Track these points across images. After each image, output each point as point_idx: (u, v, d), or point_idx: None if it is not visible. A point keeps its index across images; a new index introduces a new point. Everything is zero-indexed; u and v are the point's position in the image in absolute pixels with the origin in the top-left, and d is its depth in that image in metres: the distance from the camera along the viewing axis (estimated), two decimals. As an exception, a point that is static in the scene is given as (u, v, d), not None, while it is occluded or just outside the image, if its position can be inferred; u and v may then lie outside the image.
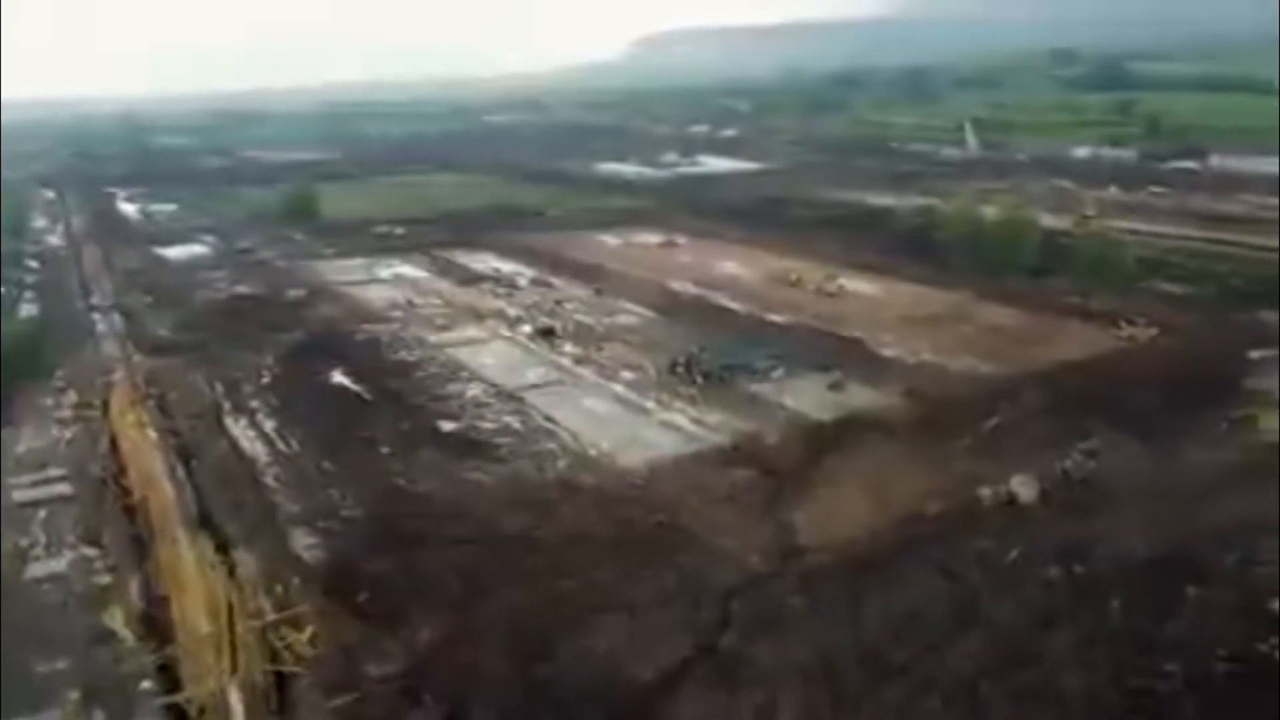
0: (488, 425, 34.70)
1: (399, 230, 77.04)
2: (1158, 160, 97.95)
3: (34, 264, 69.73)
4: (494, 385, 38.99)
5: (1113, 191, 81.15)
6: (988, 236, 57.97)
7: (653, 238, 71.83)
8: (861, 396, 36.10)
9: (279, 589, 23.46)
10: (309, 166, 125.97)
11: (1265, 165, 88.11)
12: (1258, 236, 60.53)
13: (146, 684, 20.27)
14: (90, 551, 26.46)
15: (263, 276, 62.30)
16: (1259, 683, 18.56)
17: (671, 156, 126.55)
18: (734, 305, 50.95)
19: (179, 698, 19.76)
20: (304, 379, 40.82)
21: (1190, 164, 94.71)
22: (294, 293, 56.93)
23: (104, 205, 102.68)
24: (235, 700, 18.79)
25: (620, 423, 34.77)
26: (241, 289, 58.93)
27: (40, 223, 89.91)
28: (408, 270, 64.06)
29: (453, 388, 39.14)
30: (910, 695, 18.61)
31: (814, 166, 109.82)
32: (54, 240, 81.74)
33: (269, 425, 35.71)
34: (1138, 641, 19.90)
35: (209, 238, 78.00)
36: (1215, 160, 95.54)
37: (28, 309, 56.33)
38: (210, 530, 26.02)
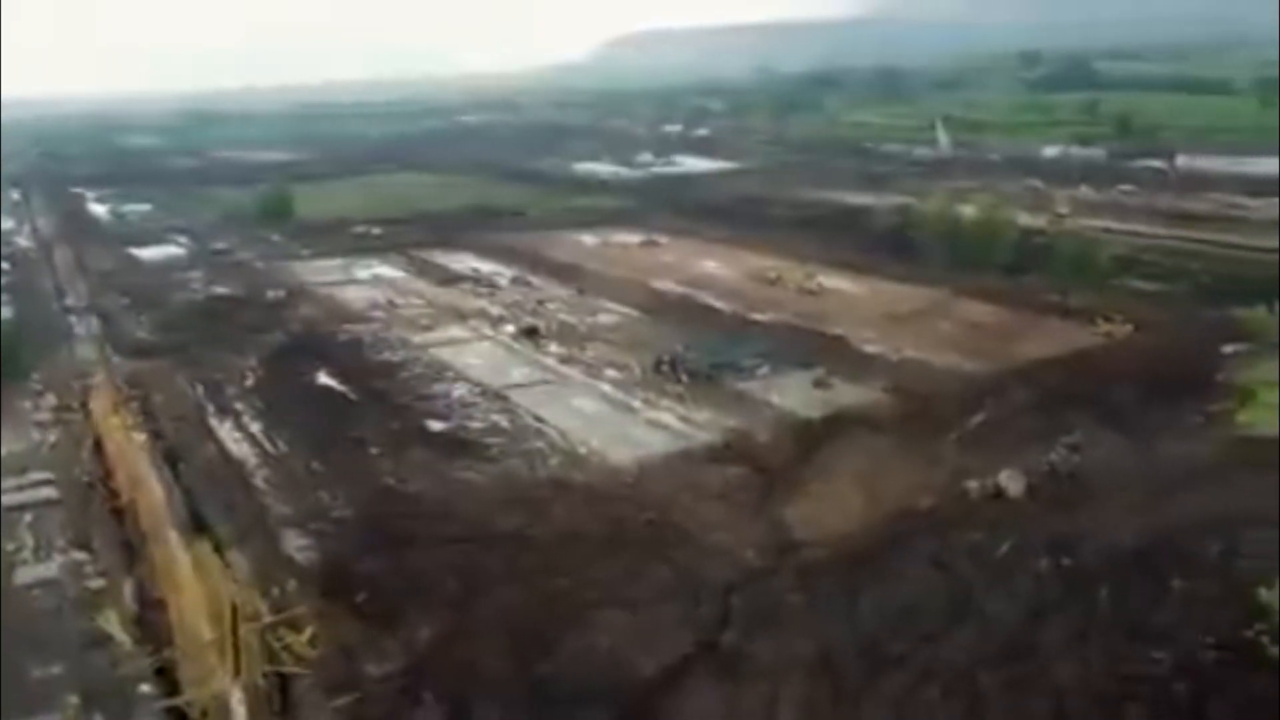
0: (476, 424, 34.74)
1: (376, 230, 76.71)
2: (1126, 159, 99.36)
3: (4, 265, 68.72)
4: (480, 385, 39.02)
5: (1083, 190, 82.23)
6: (965, 235, 58.73)
7: (631, 237, 72.00)
8: (847, 393, 36.48)
9: (275, 591, 23.42)
10: (282, 167, 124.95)
11: (1231, 165, 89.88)
12: (1227, 235, 61.74)
13: (146, 687, 20.13)
14: (80, 555, 26.24)
15: (240, 277, 61.85)
16: (1245, 669, 19.03)
17: (647, 156, 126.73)
18: (716, 304, 51.24)
19: (179, 700, 19.70)
20: (288, 380, 40.64)
21: (1158, 163, 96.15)
22: (273, 294, 56.57)
23: (74, 206, 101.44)
24: (238, 702, 18.74)
25: (608, 421, 34.93)
26: (219, 290, 58.49)
27: (8, 224, 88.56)
28: (386, 270, 63.87)
29: (439, 388, 39.12)
30: (910, 685, 18.89)
31: (789, 166, 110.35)
32: (23, 241, 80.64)
33: (255, 427, 35.54)
34: (1127, 630, 20.31)
35: (183, 238, 77.33)
36: (1182, 160, 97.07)
37: (1, 311, 55.55)
38: (203, 532, 25.86)
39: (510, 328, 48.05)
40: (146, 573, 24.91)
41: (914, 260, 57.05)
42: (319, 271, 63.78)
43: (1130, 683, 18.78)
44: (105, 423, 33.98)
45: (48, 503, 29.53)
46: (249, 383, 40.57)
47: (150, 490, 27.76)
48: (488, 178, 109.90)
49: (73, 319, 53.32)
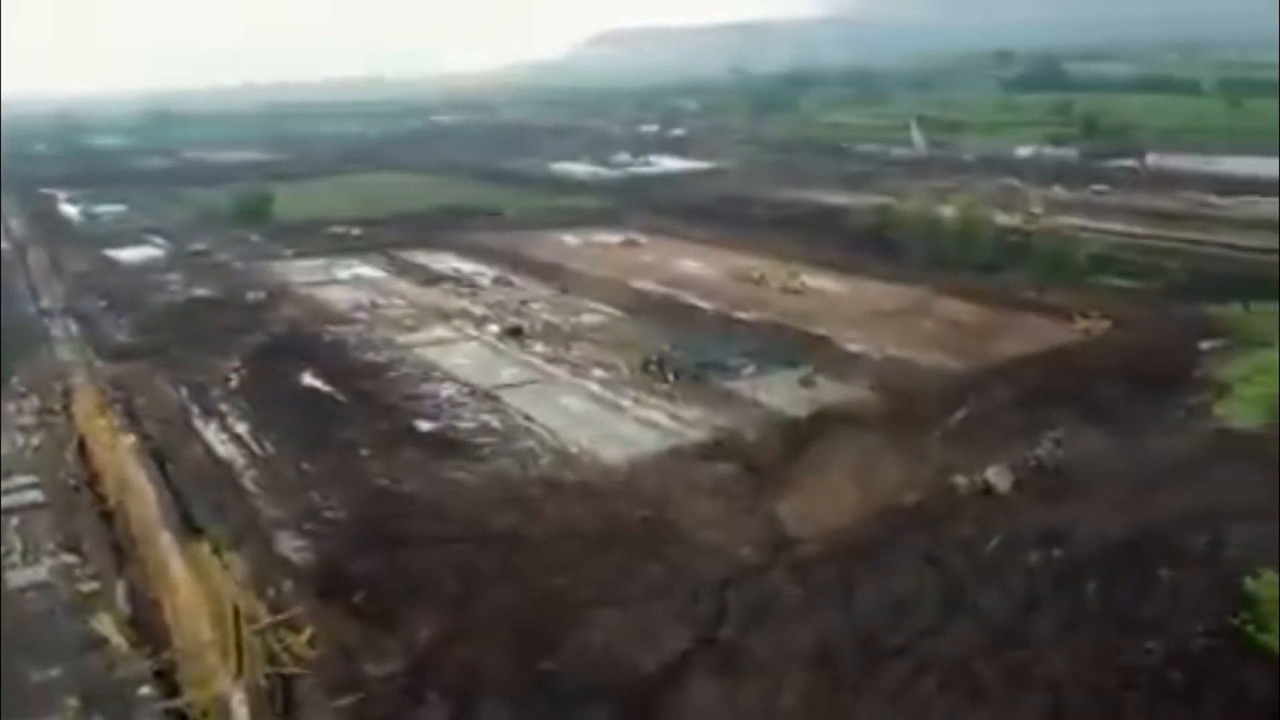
0: (466, 424, 34.76)
1: (355, 231, 76.36)
2: (1098, 159, 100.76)
3: (-24, 268, 67.81)
4: (468, 385, 39.01)
5: (1057, 190, 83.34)
6: (944, 234, 59.39)
7: (612, 237, 72.13)
8: (833, 392, 36.82)
9: (271, 592, 23.37)
10: (256, 167, 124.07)
11: (1201, 165, 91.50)
12: (1199, 233, 63.08)
13: (145, 690, 20.04)
14: (70, 559, 26.03)
15: (219, 278, 61.39)
16: (1234, 656, 19.50)
17: (624, 156, 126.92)
18: (700, 303, 51.48)
19: (179, 702, 19.64)
20: (273, 381, 40.42)
21: (1129, 163, 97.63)
22: (253, 295, 56.19)
23: (45, 207, 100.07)
24: (239, 703, 18.73)
25: (598, 420, 35.06)
26: (199, 291, 58.01)
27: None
28: (367, 271, 63.61)
29: (426, 388, 39.08)
30: (907, 678, 19.19)
31: (766, 166, 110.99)
32: (-5, 243, 79.52)
33: (242, 428, 35.34)
34: (1119, 621, 20.74)
35: (159, 239, 76.60)
36: (1152, 159, 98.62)
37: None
38: (198, 535, 25.74)
39: (494, 328, 48.05)
40: (138, 575, 24.81)
41: (894, 259, 57.60)
42: (299, 272, 63.41)
43: (1123, 672, 19.20)
44: (89, 425, 33.68)
45: (34, 506, 29.24)
46: (233, 384, 40.32)
47: (139, 493, 27.58)
48: (465, 178, 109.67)
49: (50, 321, 52.66)
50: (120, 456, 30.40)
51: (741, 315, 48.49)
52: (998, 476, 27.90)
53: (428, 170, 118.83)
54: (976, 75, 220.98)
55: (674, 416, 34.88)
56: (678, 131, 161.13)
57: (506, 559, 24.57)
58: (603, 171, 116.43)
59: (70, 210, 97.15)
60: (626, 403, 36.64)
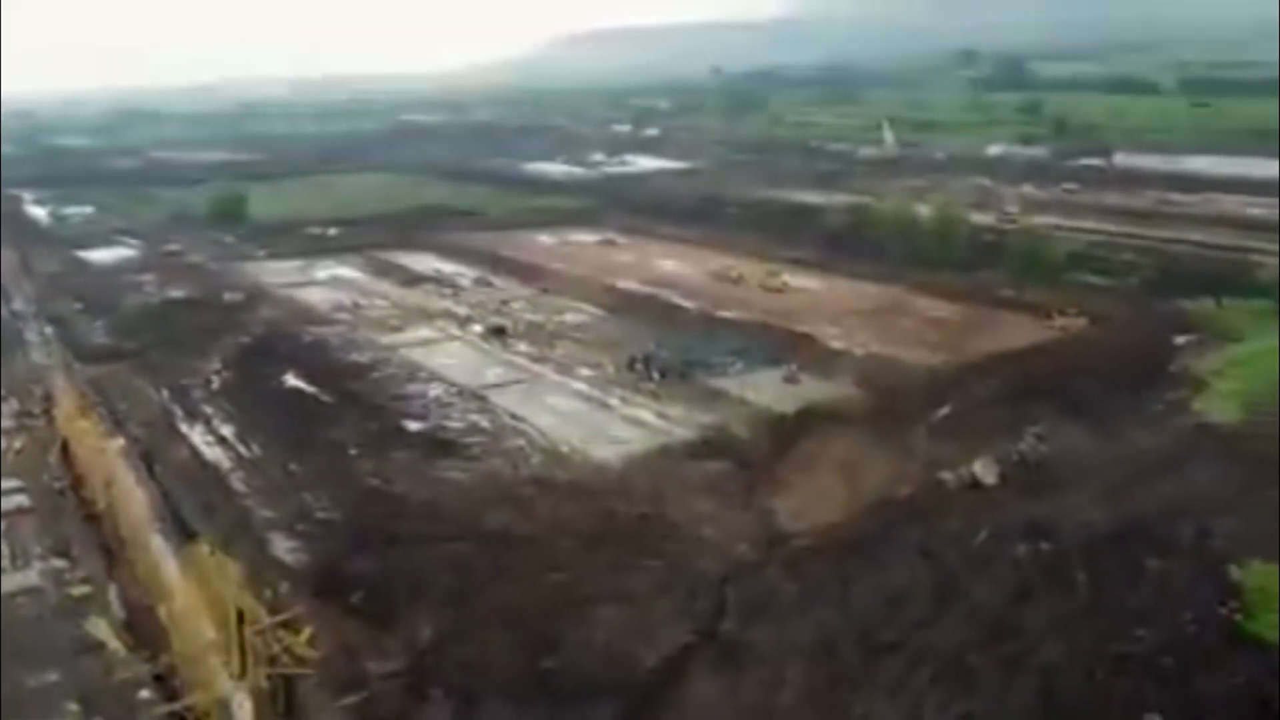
0: (455, 424, 34.74)
1: (332, 231, 75.87)
2: (1066, 158, 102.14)
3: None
4: (455, 385, 38.97)
5: (1028, 189, 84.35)
6: (919, 233, 60.01)
7: (589, 237, 72.25)
8: (818, 389, 37.15)
9: (268, 593, 23.21)
10: (226, 167, 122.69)
11: (1164, 163, 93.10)
12: (1167, 230, 64.04)
13: (145, 694, 19.92)
14: (59, 563, 25.79)
15: (195, 279, 60.74)
16: (1218, 642, 20.03)
17: (598, 156, 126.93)
18: (681, 302, 51.68)
19: (179, 705, 19.52)
20: (256, 383, 40.12)
21: (1097, 161, 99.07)
22: (231, 296, 55.66)
23: (10, 208, 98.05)
24: (244, 704, 18.64)
25: (586, 419, 35.18)
26: (175, 293, 57.38)
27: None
28: (346, 271, 63.28)
29: (413, 388, 38.99)
30: (905, 669, 19.52)
31: (740, 165, 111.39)
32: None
33: (227, 430, 35.09)
34: (1109, 611, 21.19)
35: (132, 240, 75.68)
36: (1119, 158, 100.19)
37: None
38: (192, 538, 25.53)
39: (478, 327, 47.99)
40: (130, 578, 24.61)
41: (871, 257, 58.04)
42: (276, 273, 62.94)
43: (1113, 659, 19.64)
44: (71, 428, 33.25)
45: (20, 510, 28.88)
46: (215, 386, 40.01)
47: (127, 496, 27.30)
48: (439, 178, 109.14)
49: (23, 324, 51.92)
50: (107, 459, 30.03)
51: (723, 314, 48.72)
52: (984, 471, 28.35)
53: (404, 170, 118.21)
54: (944, 74, 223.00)
55: (662, 414, 35.07)
56: (651, 131, 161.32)
57: (504, 557, 24.62)
58: (578, 171, 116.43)
59: (38, 211, 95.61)
60: (614, 401, 36.78)
